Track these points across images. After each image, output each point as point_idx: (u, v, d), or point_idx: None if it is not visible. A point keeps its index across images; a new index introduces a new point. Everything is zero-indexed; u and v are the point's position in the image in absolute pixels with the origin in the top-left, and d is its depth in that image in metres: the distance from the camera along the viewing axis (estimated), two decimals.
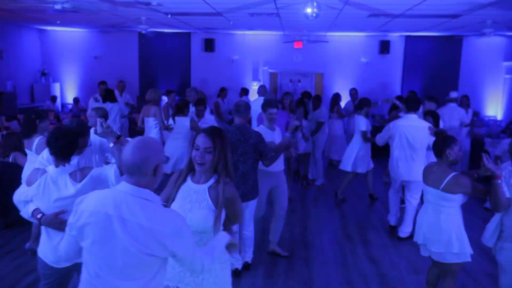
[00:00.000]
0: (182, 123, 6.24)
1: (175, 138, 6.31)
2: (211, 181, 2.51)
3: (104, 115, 4.69)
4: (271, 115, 4.66)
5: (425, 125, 5.36)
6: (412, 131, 5.38)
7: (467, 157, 8.58)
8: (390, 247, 5.35)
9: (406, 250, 5.28)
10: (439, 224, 3.44)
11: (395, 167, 5.59)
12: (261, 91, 8.23)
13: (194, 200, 2.47)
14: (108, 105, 7.82)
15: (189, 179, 2.55)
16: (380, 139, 5.83)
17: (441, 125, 5.91)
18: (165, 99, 9.69)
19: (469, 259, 3.45)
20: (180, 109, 6.26)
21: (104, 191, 2.03)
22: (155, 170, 1.94)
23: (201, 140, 2.47)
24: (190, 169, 2.56)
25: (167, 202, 2.50)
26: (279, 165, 4.79)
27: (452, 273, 3.52)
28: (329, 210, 6.76)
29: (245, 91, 10.56)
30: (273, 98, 6.59)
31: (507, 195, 3.19)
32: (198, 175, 2.53)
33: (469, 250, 3.43)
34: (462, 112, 8.12)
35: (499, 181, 3.13)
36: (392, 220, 5.98)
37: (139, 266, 1.91)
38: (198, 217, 2.41)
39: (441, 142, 3.52)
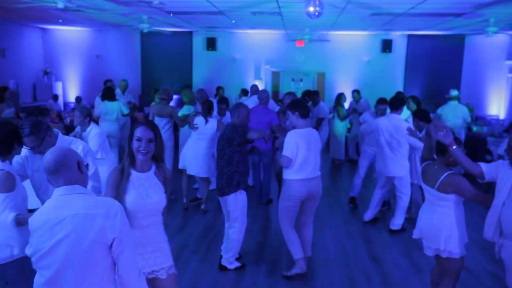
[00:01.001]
0: (212, 124, 6.08)
1: (200, 138, 6.13)
2: (153, 168, 2.77)
3: (89, 114, 5.05)
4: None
5: (404, 125, 5.44)
6: (391, 129, 5.54)
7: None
8: (392, 246, 5.35)
9: (409, 249, 5.27)
10: (432, 222, 3.43)
11: (378, 162, 5.87)
12: (253, 90, 8.37)
13: (147, 186, 2.70)
14: (107, 104, 7.86)
15: (133, 171, 2.72)
16: (363, 130, 6.22)
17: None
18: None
19: (456, 256, 3.39)
20: (211, 111, 6.17)
21: (47, 201, 2.11)
22: (78, 165, 2.09)
23: (144, 132, 2.65)
24: (131, 162, 2.73)
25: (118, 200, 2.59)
26: None
27: (447, 272, 3.50)
28: (331, 209, 6.75)
29: (244, 92, 10.55)
30: (265, 96, 6.67)
31: (482, 168, 3.23)
32: (141, 165, 2.73)
33: (458, 250, 3.36)
34: (465, 110, 8.15)
35: (453, 147, 3.16)
36: (366, 215, 6.12)
37: (93, 259, 1.97)
38: (158, 199, 2.70)
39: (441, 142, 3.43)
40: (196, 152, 6.13)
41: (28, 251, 2.06)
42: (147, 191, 2.69)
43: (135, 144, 2.67)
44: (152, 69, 13.39)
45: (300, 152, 4.19)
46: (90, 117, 5.10)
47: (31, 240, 2.04)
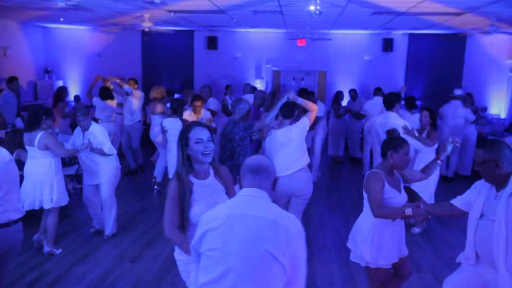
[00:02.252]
0: (176, 124, 6.03)
1: (174, 140, 6.08)
2: (211, 171, 2.64)
3: (89, 112, 5.18)
4: None
5: (401, 123, 5.28)
6: (386, 128, 5.36)
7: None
8: None
9: (408, 248, 5.25)
10: (357, 223, 3.42)
11: (374, 162, 5.88)
12: (246, 89, 8.45)
13: (212, 192, 2.56)
14: (103, 103, 7.95)
15: (194, 179, 2.55)
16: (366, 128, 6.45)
17: (442, 122, 5.94)
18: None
19: (362, 264, 3.29)
20: (175, 111, 6.13)
21: (227, 200, 2.14)
22: (274, 182, 2.11)
23: (202, 133, 2.54)
24: (189, 169, 2.56)
25: (184, 216, 2.49)
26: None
27: (369, 277, 3.38)
28: (331, 208, 6.76)
29: (252, 88, 10.55)
30: (260, 95, 6.64)
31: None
32: (202, 170, 2.59)
33: (370, 259, 3.18)
34: (467, 110, 8.17)
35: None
36: None
37: (265, 272, 1.85)
38: None
39: (386, 142, 3.29)
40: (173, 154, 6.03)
41: (196, 244, 1.99)
42: (213, 198, 2.53)
43: (195, 147, 2.51)
44: (153, 68, 13.39)
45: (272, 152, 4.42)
46: (90, 115, 5.18)
47: (203, 232, 1.95)
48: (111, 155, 5.15)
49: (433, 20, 9.47)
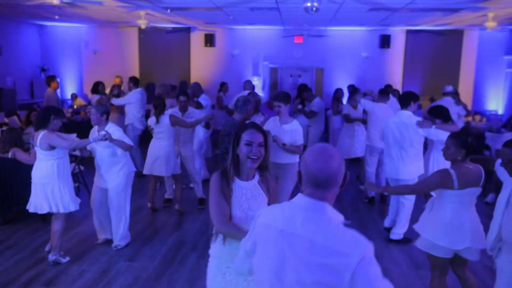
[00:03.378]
0: (164, 121, 5.90)
1: (158, 138, 5.94)
2: (257, 176, 2.50)
3: (106, 111, 4.78)
4: (275, 107, 4.86)
5: (413, 121, 5.08)
6: (402, 128, 5.17)
7: None
8: (391, 242, 5.34)
9: (408, 245, 5.26)
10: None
11: (387, 165, 5.47)
12: (247, 87, 8.42)
13: (250, 197, 2.44)
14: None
15: (236, 179, 2.46)
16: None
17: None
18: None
19: (433, 253, 3.47)
20: (162, 109, 5.99)
21: (280, 204, 1.80)
22: (344, 180, 1.72)
23: (254, 135, 2.41)
24: (236, 169, 2.46)
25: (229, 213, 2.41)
26: (283, 157, 4.79)
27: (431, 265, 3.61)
28: None
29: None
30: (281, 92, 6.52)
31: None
32: (246, 172, 2.47)
33: (437, 241, 3.39)
34: (458, 106, 8.31)
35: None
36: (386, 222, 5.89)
37: None
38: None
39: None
40: (156, 153, 5.91)
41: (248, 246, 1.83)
42: (249, 203, 2.43)
43: (244, 149, 2.40)
44: (150, 66, 13.35)
45: None
46: (107, 114, 4.79)
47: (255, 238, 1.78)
48: (132, 148, 4.86)
49: (430, 16, 9.45)
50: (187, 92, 6.74)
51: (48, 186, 4.43)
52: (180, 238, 5.32)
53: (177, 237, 5.38)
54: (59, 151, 4.46)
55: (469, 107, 11.62)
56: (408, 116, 5.16)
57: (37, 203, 4.48)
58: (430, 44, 12.55)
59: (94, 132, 4.80)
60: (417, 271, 4.58)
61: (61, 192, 4.47)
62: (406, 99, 5.28)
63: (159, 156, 5.90)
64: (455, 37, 12.26)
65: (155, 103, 5.95)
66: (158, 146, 5.91)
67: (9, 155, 5.41)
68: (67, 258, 4.62)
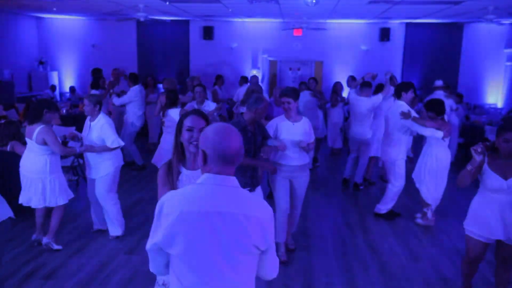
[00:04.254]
0: (176, 115, 5.81)
1: (168, 132, 5.89)
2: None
3: (99, 102, 4.86)
4: (283, 104, 4.40)
5: (400, 110, 5.48)
6: (390, 115, 5.69)
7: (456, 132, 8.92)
8: (390, 235, 5.35)
9: (406, 238, 5.27)
10: None
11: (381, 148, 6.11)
12: (254, 81, 8.44)
13: None
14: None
15: (182, 169, 2.44)
16: None
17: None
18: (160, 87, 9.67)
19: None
20: (173, 101, 5.99)
21: (185, 189, 1.82)
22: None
23: (195, 121, 2.42)
24: (180, 157, 2.45)
25: None
26: (301, 158, 4.48)
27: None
28: (328, 198, 6.75)
29: (244, 80, 10.49)
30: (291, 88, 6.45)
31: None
32: (192, 160, 2.45)
33: (467, 226, 3.59)
34: (450, 99, 8.43)
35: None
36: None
37: (241, 268, 1.76)
38: None
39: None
40: (162, 147, 5.93)
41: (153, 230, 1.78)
42: None
43: (185, 135, 2.40)
44: (149, 59, 13.29)
45: None
46: (100, 105, 4.84)
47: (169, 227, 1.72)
48: (117, 148, 4.87)
49: (430, 8, 9.40)
50: (202, 84, 6.64)
51: (40, 181, 4.50)
52: None
53: None
54: None
55: (469, 101, 11.62)
56: (398, 106, 5.60)
57: (28, 197, 4.57)
58: (430, 37, 12.51)
59: (87, 123, 4.90)
60: (416, 264, 4.59)
61: (52, 186, 4.55)
62: (397, 90, 5.78)
63: (165, 149, 5.88)
64: (455, 30, 12.22)
65: (167, 95, 5.93)
66: (164, 141, 5.91)
67: (8, 148, 5.39)
68: (60, 246, 4.72)
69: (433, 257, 4.78)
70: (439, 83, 8.65)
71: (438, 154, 5.37)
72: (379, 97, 6.74)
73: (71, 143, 4.98)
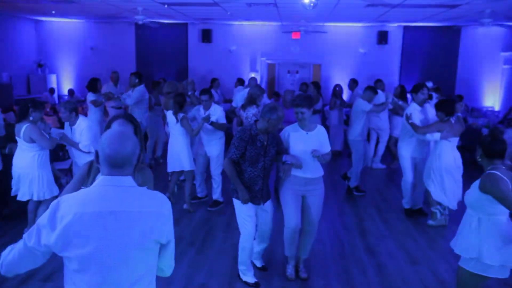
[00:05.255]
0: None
1: (173, 134, 6.05)
2: None
3: (74, 108, 5.13)
4: (297, 114, 4.05)
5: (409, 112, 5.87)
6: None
7: None
8: (388, 238, 5.36)
9: (404, 240, 5.29)
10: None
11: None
12: (253, 84, 8.46)
13: None
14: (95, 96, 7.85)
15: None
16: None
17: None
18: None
19: (486, 275, 3.12)
20: (181, 106, 5.99)
21: (79, 192, 1.82)
22: (138, 160, 1.89)
23: (122, 125, 2.45)
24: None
25: None
26: (316, 170, 4.19)
27: None
28: (326, 201, 6.74)
29: (240, 82, 10.51)
30: (304, 96, 6.36)
31: None
32: None
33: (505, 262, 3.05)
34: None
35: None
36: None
37: (140, 265, 1.80)
38: None
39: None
40: (172, 149, 6.01)
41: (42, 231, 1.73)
42: None
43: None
44: (147, 62, 13.30)
45: None
46: (76, 111, 5.14)
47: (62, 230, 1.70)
48: (87, 152, 5.11)
49: (428, 12, 9.45)
50: (209, 91, 6.46)
51: (28, 176, 4.79)
52: (178, 233, 5.30)
53: (175, 232, 5.37)
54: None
55: (466, 103, 11.65)
56: (408, 108, 5.96)
57: (16, 188, 4.87)
58: (428, 41, 12.56)
59: (66, 127, 5.27)
60: (413, 267, 4.60)
61: (39, 181, 4.83)
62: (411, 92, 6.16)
63: (174, 151, 5.98)
64: (452, 33, 12.27)
65: (175, 100, 5.95)
66: (173, 143, 6.00)
67: (6, 150, 5.40)
68: None
69: (430, 259, 4.79)
70: (429, 84, 8.67)
71: (442, 154, 5.44)
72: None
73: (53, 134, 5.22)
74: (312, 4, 6.66)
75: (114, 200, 1.75)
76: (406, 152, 5.97)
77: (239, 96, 7.31)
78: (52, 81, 13.01)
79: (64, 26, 13.19)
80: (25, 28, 12.69)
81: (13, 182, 4.92)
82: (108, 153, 1.76)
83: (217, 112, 5.98)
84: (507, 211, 3.04)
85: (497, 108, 12.10)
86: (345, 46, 12.72)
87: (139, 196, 1.81)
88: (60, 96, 13.25)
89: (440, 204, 5.64)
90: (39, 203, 4.99)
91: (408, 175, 6.00)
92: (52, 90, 12.31)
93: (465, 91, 11.82)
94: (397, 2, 8.19)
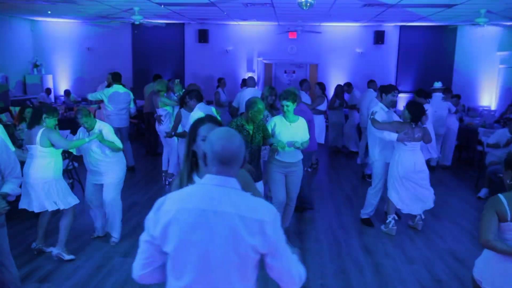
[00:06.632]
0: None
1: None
2: None
3: (87, 114, 4.76)
4: (282, 107, 4.79)
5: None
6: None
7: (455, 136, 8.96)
8: (384, 237, 5.37)
9: (400, 240, 5.30)
10: None
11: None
12: (251, 83, 8.41)
13: None
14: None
15: (197, 178, 2.34)
16: None
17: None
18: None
19: None
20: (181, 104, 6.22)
21: (186, 188, 1.87)
22: (244, 159, 1.88)
23: (211, 130, 2.30)
24: (192, 167, 2.37)
25: None
26: (296, 155, 4.89)
27: None
28: (323, 201, 6.76)
29: (245, 83, 10.53)
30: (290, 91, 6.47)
31: None
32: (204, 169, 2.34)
33: None
34: (448, 102, 8.49)
35: None
36: None
37: (236, 268, 1.74)
38: None
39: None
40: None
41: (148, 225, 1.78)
42: None
43: (202, 145, 2.27)
44: (144, 62, 13.28)
45: None
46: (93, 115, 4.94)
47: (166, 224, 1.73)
48: (121, 150, 4.88)
49: (424, 12, 9.47)
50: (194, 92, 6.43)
51: (46, 184, 4.39)
52: None
53: None
54: (58, 149, 4.49)
55: (463, 103, 11.69)
56: (375, 106, 5.68)
57: (39, 203, 4.42)
58: (424, 40, 12.59)
59: (82, 132, 4.82)
60: (410, 266, 4.62)
61: (59, 189, 4.48)
62: (379, 93, 5.90)
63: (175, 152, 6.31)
64: (449, 33, 12.30)
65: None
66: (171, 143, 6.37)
67: None
68: (71, 256, 4.58)
69: (427, 259, 4.80)
70: (438, 85, 8.69)
71: (400, 160, 5.22)
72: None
73: (77, 135, 4.91)
74: (308, 4, 6.66)
75: (218, 200, 1.74)
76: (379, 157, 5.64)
77: (247, 95, 7.34)
78: (49, 81, 12.96)
79: (61, 27, 13.14)
80: (21, 28, 12.64)
81: (25, 196, 4.42)
82: (217, 150, 1.76)
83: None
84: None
85: (493, 107, 12.14)
86: (342, 46, 12.73)
87: (243, 200, 1.77)
88: (56, 97, 13.22)
89: (397, 214, 5.51)
90: (53, 215, 4.67)
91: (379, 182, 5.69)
92: (48, 91, 12.26)
93: (461, 91, 11.84)
94: (394, 2, 8.21)
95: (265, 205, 1.80)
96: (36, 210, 4.44)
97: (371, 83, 9.02)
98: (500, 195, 2.67)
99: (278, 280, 1.84)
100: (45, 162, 4.39)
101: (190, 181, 2.32)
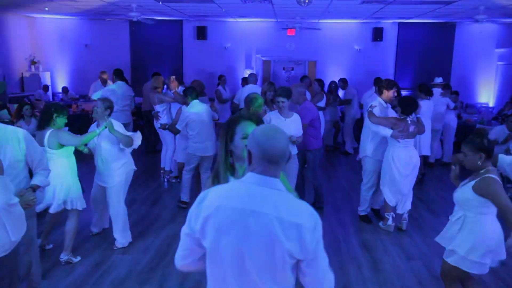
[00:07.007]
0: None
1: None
2: None
3: (110, 106, 4.67)
4: (277, 103, 5.10)
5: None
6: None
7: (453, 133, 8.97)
8: (383, 234, 5.38)
9: (399, 237, 5.31)
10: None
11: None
12: (253, 80, 8.37)
13: None
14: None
15: (231, 178, 2.25)
16: None
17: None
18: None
19: (471, 271, 3.28)
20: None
21: (228, 184, 1.84)
22: (288, 158, 1.82)
23: (251, 128, 2.22)
24: (228, 167, 2.28)
25: None
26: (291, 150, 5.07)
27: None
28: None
29: (246, 81, 10.51)
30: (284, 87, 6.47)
31: None
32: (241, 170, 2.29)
33: (483, 259, 3.19)
34: (447, 98, 8.46)
35: None
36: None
37: (269, 270, 1.68)
38: None
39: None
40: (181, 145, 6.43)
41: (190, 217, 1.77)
42: None
43: (241, 144, 2.22)
44: (142, 59, 13.25)
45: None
46: (111, 110, 4.66)
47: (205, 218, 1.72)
48: (133, 144, 4.73)
49: (422, 8, 9.46)
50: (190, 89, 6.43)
51: (62, 185, 4.26)
52: (174, 231, 5.32)
53: (170, 230, 5.38)
54: (68, 149, 4.32)
55: (461, 100, 11.70)
56: (374, 100, 5.60)
57: (55, 202, 4.31)
58: (422, 37, 12.58)
59: (94, 127, 4.70)
60: (408, 262, 4.63)
61: (75, 189, 4.36)
62: (379, 89, 5.71)
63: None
64: (447, 30, 12.30)
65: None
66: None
67: None
68: (78, 258, 4.53)
69: (425, 255, 4.81)
70: (438, 80, 8.70)
71: (396, 156, 5.19)
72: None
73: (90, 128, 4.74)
74: (307, 1, 6.65)
75: (257, 200, 1.68)
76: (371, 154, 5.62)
77: (242, 94, 7.40)
78: (46, 78, 12.92)
79: (58, 23, 13.10)
80: (18, 25, 12.59)
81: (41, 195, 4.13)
82: (266, 149, 1.69)
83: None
84: (494, 211, 3.14)
85: (491, 104, 12.16)
86: (340, 43, 12.72)
87: (284, 202, 1.70)
88: (54, 94, 13.19)
89: (394, 211, 5.49)
90: (59, 214, 4.49)
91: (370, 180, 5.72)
92: (46, 88, 12.23)
93: (459, 88, 11.85)
94: None
95: (307, 210, 1.72)
96: (52, 211, 4.35)
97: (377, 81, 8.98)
98: (492, 175, 3.09)
99: (306, 286, 1.78)
100: (57, 162, 4.22)
101: (225, 182, 2.22)
